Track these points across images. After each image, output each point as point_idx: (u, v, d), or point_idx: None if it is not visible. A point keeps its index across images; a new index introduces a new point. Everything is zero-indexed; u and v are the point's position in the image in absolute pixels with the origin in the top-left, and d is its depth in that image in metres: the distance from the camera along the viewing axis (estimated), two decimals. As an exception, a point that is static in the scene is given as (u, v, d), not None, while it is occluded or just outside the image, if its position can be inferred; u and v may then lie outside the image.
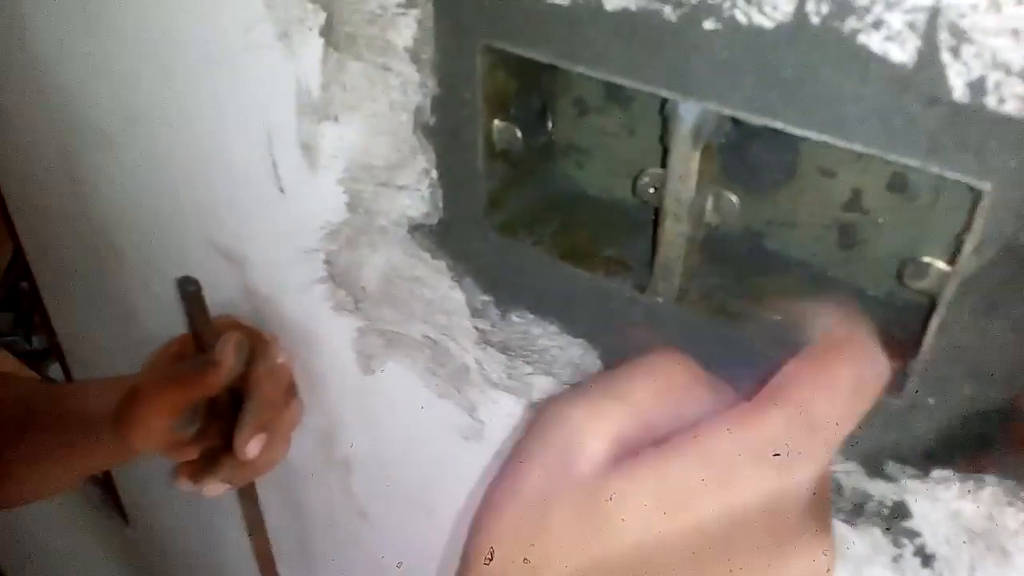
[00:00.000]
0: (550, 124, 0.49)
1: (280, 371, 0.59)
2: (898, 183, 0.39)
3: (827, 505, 0.26)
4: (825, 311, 0.28)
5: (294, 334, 0.65)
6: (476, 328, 0.51)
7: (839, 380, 0.26)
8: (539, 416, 0.27)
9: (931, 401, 0.36)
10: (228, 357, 0.55)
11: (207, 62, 0.55)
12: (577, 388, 0.27)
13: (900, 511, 0.39)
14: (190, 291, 0.56)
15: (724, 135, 0.39)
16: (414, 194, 0.49)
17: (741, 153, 0.42)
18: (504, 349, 0.50)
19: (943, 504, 0.37)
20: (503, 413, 0.53)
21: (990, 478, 0.35)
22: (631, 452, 0.25)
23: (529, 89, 0.45)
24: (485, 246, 0.48)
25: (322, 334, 0.63)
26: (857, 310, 0.28)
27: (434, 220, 0.49)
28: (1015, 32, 0.27)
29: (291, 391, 0.61)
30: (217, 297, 0.70)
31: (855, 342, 0.27)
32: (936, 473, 0.37)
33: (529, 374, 0.50)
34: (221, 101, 0.57)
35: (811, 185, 0.41)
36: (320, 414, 0.68)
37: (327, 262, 0.58)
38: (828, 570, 0.25)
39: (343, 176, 0.52)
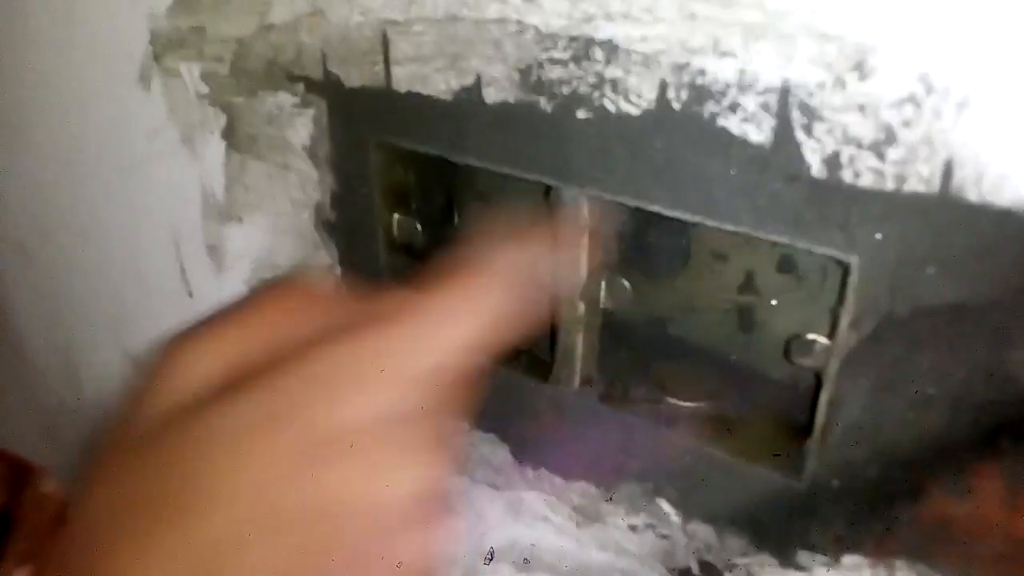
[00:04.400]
0: (456, 218, 0.49)
1: (46, 500, 0.57)
2: (787, 264, 0.39)
3: (438, 430, 0.24)
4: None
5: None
6: (387, 428, 0.49)
7: (463, 305, 0.25)
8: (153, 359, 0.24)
9: (835, 484, 0.35)
10: None
11: (117, 170, 0.55)
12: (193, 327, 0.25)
13: (817, 604, 0.37)
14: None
15: (615, 223, 0.39)
16: (319, 292, 0.48)
17: (638, 242, 0.42)
18: (416, 449, 0.48)
19: (859, 594, 0.36)
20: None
21: (900, 563, 0.34)
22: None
23: (430, 184, 0.46)
24: (391, 342, 0.47)
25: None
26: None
27: (340, 318, 0.48)
28: (862, 107, 0.28)
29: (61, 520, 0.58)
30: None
31: (490, 274, 0.27)
32: (847, 560, 0.35)
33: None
34: (131, 208, 0.56)
35: (706, 269, 0.41)
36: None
37: (238, 366, 0.56)
38: (436, 485, 0.24)
39: (249, 276, 0.51)
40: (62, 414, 0.79)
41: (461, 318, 0.25)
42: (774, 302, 0.40)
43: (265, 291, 0.26)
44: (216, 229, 0.51)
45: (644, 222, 0.42)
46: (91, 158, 0.56)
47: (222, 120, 0.47)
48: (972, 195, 0.27)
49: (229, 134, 0.47)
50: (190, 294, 0.56)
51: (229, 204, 0.49)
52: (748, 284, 0.41)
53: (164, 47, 0.47)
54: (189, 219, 0.52)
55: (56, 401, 0.78)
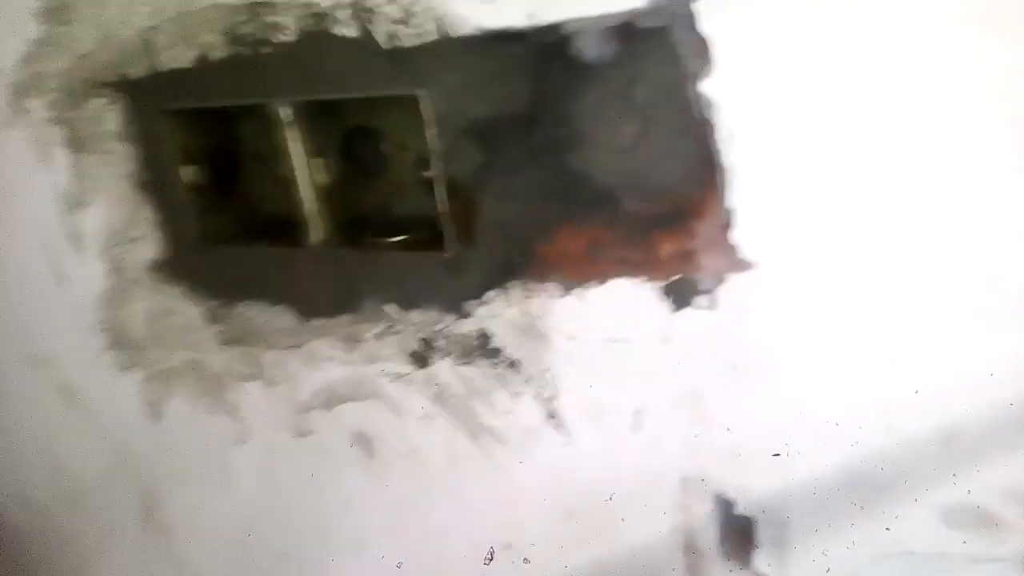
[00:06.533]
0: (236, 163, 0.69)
1: None
2: (434, 136, 0.60)
3: None
4: None
5: (103, 414, 0.78)
6: (217, 333, 0.67)
7: None
8: None
9: (476, 255, 0.55)
10: None
11: (-5, 199, 0.74)
12: None
13: (485, 338, 0.56)
14: None
15: (330, 138, 0.60)
16: (148, 240, 0.67)
17: (357, 157, 0.63)
18: (238, 342, 0.66)
19: (500, 317, 0.55)
20: (254, 403, 0.68)
21: (512, 284, 0.54)
22: None
23: (209, 139, 0.65)
24: (205, 262, 0.66)
25: (120, 400, 0.77)
26: None
27: (167, 255, 0.67)
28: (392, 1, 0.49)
29: None
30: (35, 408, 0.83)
31: None
32: (488, 295, 0.55)
33: (260, 355, 0.66)
34: (8, 225, 0.74)
35: (399, 160, 0.62)
36: (134, 482, 0.80)
37: (106, 330, 0.73)
38: None
39: (101, 249, 0.70)
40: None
41: None
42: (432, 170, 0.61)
43: None
44: (71, 218, 0.70)
45: (353, 141, 0.63)
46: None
47: (64, 132, 0.66)
48: (456, 33, 0.48)
49: (69, 141, 0.66)
50: (60, 280, 0.73)
51: (78, 194, 0.68)
52: (420, 162, 0.61)
53: (18, 93, 0.67)
54: (50, 217, 0.70)
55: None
